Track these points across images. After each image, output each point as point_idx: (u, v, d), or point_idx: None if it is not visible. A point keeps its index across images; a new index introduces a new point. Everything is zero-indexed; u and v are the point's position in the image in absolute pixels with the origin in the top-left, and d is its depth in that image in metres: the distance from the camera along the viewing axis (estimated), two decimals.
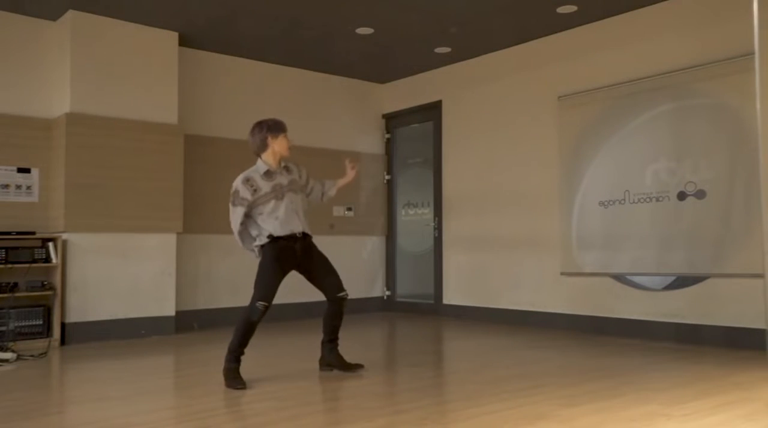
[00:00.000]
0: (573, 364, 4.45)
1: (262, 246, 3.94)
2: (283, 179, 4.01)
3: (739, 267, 4.94)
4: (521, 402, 3.30)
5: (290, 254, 3.92)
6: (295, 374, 4.12)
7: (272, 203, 3.91)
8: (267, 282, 3.86)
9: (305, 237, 4.01)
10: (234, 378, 3.72)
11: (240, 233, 3.95)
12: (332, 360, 4.09)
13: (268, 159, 4.01)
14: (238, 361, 3.81)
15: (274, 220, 3.90)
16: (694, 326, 5.21)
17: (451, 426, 2.89)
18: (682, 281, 5.32)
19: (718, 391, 3.49)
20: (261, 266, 3.93)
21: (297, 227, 3.95)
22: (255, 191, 3.91)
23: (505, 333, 5.95)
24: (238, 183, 3.93)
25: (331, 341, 4.12)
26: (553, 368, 4.34)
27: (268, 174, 3.98)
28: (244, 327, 3.79)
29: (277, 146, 4.02)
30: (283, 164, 4.08)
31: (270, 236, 3.90)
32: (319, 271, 4.04)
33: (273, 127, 4.05)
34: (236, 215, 3.93)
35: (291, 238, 3.92)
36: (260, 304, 3.78)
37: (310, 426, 2.92)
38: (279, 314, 7.01)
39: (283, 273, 3.93)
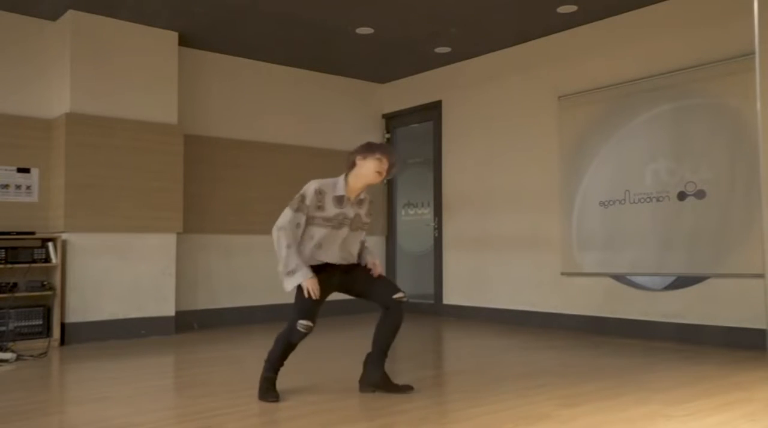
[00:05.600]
0: (573, 364, 4.45)
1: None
2: (350, 212, 3.55)
3: (739, 267, 4.94)
4: (521, 402, 3.29)
5: (325, 277, 3.50)
6: (295, 374, 4.12)
7: (326, 230, 3.48)
8: (309, 303, 3.45)
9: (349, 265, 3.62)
10: (267, 390, 3.44)
11: (289, 245, 3.38)
12: (378, 381, 3.53)
13: (350, 181, 3.55)
14: (275, 372, 3.52)
15: (316, 249, 3.49)
16: (695, 326, 5.21)
17: (451, 426, 2.89)
18: (682, 281, 5.32)
19: (719, 391, 3.49)
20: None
21: (338, 259, 3.55)
22: (319, 208, 3.46)
23: (505, 333, 5.95)
24: (309, 190, 3.47)
25: (380, 357, 3.56)
26: (553, 368, 4.34)
27: (339, 200, 3.51)
28: (284, 345, 3.50)
29: (365, 168, 3.51)
30: (361, 197, 3.61)
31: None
32: (364, 282, 3.61)
33: (368, 148, 3.55)
34: (294, 221, 3.41)
35: (328, 266, 3.53)
36: (301, 324, 3.43)
37: (310, 426, 2.92)
38: (279, 314, 7.02)
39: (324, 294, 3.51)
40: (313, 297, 3.40)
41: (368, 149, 3.54)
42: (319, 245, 3.48)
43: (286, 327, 3.50)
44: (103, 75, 5.79)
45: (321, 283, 3.44)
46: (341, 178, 3.57)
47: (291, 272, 3.38)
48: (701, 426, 2.85)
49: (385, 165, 3.52)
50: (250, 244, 6.91)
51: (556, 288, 6.22)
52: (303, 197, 3.46)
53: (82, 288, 5.57)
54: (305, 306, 3.44)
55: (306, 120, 7.48)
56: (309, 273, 3.39)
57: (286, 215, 3.45)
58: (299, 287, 3.42)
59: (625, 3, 5.59)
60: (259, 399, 3.40)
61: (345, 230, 3.53)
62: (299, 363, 4.43)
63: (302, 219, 3.44)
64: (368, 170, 3.50)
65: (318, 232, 3.47)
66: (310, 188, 3.48)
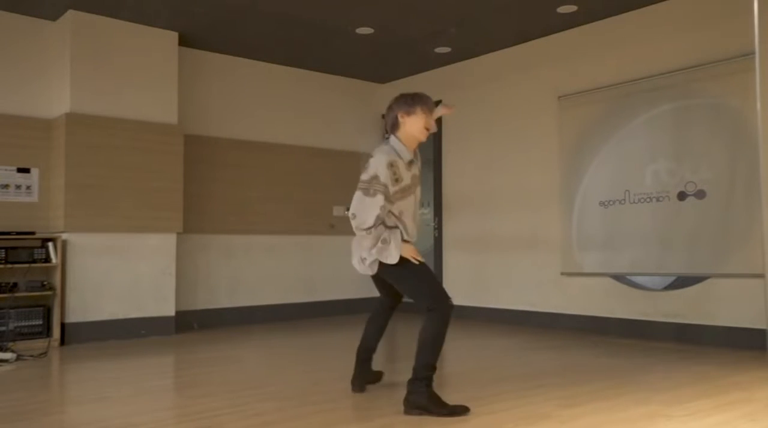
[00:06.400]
0: (573, 364, 4.45)
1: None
2: (416, 170, 3.29)
3: (739, 267, 4.94)
4: (521, 402, 3.29)
5: None
6: (295, 374, 4.12)
7: (411, 199, 3.24)
8: (435, 277, 3.25)
9: None
10: (445, 404, 3.06)
11: (376, 228, 3.09)
12: (370, 376, 3.60)
13: (404, 141, 3.25)
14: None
15: (411, 222, 3.26)
16: (695, 326, 5.21)
17: (451, 426, 2.89)
18: (682, 281, 5.32)
19: (719, 391, 3.49)
20: (411, 267, 3.18)
21: (413, 234, 3.31)
22: (397, 180, 3.16)
23: (505, 333, 5.95)
24: (380, 166, 3.13)
25: (370, 356, 3.59)
26: (553, 368, 4.34)
27: (409, 163, 3.24)
28: (442, 340, 3.12)
29: (411, 126, 3.24)
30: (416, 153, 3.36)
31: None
32: None
33: (410, 101, 3.25)
34: (374, 205, 3.09)
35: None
36: (451, 303, 3.14)
37: (310, 426, 2.92)
38: (280, 314, 7.03)
39: None
40: (420, 259, 3.18)
41: (409, 103, 3.24)
42: (399, 216, 3.21)
43: (435, 320, 3.09)
44: (103, 75, 5.79)
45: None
46: (395, 142, 3.24)
47: (385, 242, 3.11)
48: (701, 426, 2.85)
49: (432, 118, 3.25)
50: (250, 244, 6.92)
51: (556, 288, 6.22)
52: (376, 177, 3.11)
53: (82, 288, 5.57)
54: (437, 283, 3.19)
55: (306, 120, 7.48)
56: (400, 238, 3.15)
57: (365, 202, 3.10)
58: (418, 272, 3.17)
59: (625, 3, 5.59)
60: (449, 415, 2.99)
61: (417, 193, 3.30)
62: (299, 363, 4.43)
63: (385, 202, 3.11)
64: (416, 128, 3.23)
65: (399, 205, 3.21)
66: (381, 164, 3.13)
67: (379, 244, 3.13)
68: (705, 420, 2.93)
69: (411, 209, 3.27)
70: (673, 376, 3.95)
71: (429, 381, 3.10)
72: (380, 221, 3.13)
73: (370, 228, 3.10)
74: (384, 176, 3.12)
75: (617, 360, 4.52)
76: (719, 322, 5.07)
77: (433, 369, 3.12)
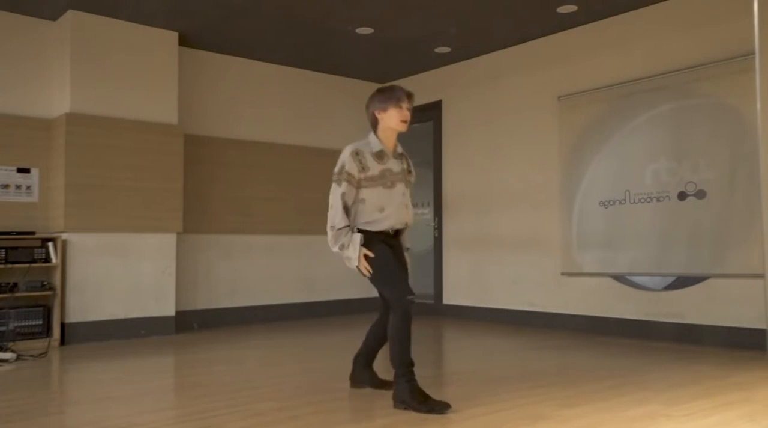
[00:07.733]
0: (573, 364, 4.45)
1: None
2: (395, 166, 3.39)
3: (739, 267, 4.94)
4: (521, 402, 3.29)
5: (387, 246, 3.33)
6: (295, 374, 4.12)
7: (378, 189, 3.31)
8: (395, 272, 3.27)
9: (397, 233, 3.43)
10: (427, 399, 3.10)
11: (341, 220, 3.26)
12: (368, 377, 3.58)
13: (380, 136, 3.43)
14: (413, 372, 3.17)
15: (377, 212, 3.30)
16: (694, 326, 5.21)
17: (451, 426, 2.89)
18: (682, 281, 5.32)
19: (719, 391, 3.49)
20: (371, 266, 3.26)
21: (401, 221, 3.38)
22: (363, 168, 3.29)
23: (505, 333, 5.95)
24: (345, 157, 3.30)
25: (373, 357, 3.60)
26: (553, 368, 4.34)
27: (380, 155, 3.36)
28: (407, 331, 3.17)
29: (388, 120, 3.41)
30: (399, 151, 3.50)
31: (359, 231, 3.30)
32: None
33: (381, 98, 3.43)
34: (337, 192, 3.27)
35: (385, 234, 3.34)
36: (409, 298, 3.18)
37: (310, 426, 2.92)
38: (279, 314, 7.03)
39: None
40: (365, 272, 3.26)
41: (383, 99, 3.43)
42: (381, 208, 3.31)
43: (395, 315, 3.18)
44: (103, 75, 5.79)
45: (385, 250, 3.29)
46: (371, 135, 3.46)
47: (343, 247, 3.28)
48: (701, 426, 2.85)
49: (406, 111, 3.40)
50: (250, 244, 6.91)
51: (556, 288, 6.22)
52: (342, 166, 3.30)
53: (82, 288, 5.57)
54: (395, 279, 3.26)
55: (306, 120, 7.48)
56: (358, 242, 3.25)
57: (334, 192, 3.32)
58: (376, 271, 3.25)
59: (626, 3, 5.59)
60: (427, 413, 3.03)
61: (401, 187, 3.38)
62: (299, 363, 4.43)
63: (349, 188, 3.27)
64: (392, 121, 3.41)
65: (371, 194, 3.31)
66: (346, 153, 3.33)
67: (337, 249, 3.32)
68: (705, 420, 2.93)
69: (396, 201, 3.35)
70: (672, 376, 3.95)
71: (409, 376, 3.14)
72: (344, 206, 3.28)
73: (333, 227, 3.31)
74: (349, 164, 3.30)
75: (617, 360, 4.52)
76: (719, 322, 5.07)
77: (408, 364, 3.16)
